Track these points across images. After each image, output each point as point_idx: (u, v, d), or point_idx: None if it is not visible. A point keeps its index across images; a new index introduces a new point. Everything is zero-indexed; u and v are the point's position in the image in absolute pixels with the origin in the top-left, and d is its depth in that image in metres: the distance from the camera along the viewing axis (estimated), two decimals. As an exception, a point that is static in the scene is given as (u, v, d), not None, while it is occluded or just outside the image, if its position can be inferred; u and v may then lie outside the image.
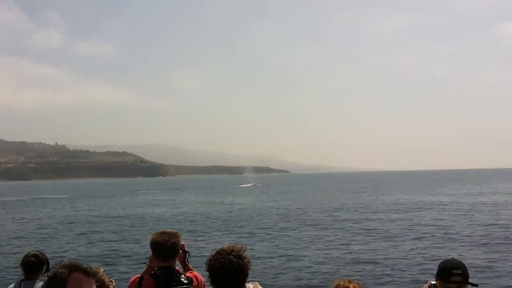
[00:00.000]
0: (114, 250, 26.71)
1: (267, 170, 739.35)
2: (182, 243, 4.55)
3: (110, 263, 22.62)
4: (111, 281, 4.54)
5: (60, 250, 26.63)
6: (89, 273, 2.75)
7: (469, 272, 3.74)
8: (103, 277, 4.30)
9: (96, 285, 3.51)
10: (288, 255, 23.53)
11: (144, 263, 4.63)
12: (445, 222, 35.01)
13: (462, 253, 22.51)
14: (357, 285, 3.59)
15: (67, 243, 29.98)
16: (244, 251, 3.64)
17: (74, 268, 2.70)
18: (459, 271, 3.64)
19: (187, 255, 4.75)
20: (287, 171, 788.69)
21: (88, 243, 29.73)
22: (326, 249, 25.23)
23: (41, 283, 4.95)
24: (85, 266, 2.76)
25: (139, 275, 4.39)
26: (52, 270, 2.74)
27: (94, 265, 3.78)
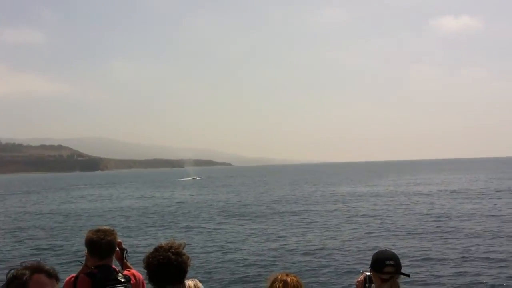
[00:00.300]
0: (44, 248, 25.22)
1: (210, 163, 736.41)
2: (119, 240, 4.44)
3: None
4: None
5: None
6: (51, 275, 2.65)
7: (401, 262, 3.82)
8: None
9: None
10: (226, 249, 23.22)
11: (80, 261, 4.40)
12: (381, 213, 35.70)
13: (396, 243, 22.93)
14: (294, 278, 3.57)
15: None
16: (183, 248, 3.58)
17: (36, 269, 2.61)
18: (391, 262, 3.74)
19: (125, 253, 4.62)
20: (229, 164, 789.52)
21: (16, 242, 27.98)
22: (264, 242, 25.07)
23: None
24: (48, 267, 2.66)
25: (74, 275, 4.20)
26: (12, 271, 2.64)
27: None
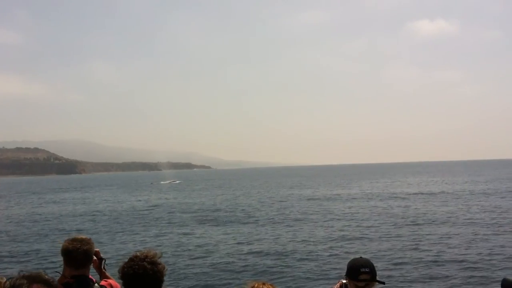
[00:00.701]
0: (5, 256, 24.14)
1: (189, 166, 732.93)
2: (96, 249, 4.39)
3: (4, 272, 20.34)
4: None
5: None
6: (51, 285, 2.59)
7: (376, 269, 3.86)
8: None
9: None
10: (199, 255, 22.76)
11: (57, 272, 4.22)
12: (357, 216, 35.51)
13: (370, 248, 22.74)
14: (270, 287, 3.57)
15: None
16: (159, 257, 3.55)
17: (34, 279, 2.54)
18: (367, 270, 3.76)
19: (103, 262, 4.57)
20: (209, 167, 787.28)
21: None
22: (237, 247, 24.66)
23: None
24: (47, 277, 2.58)
25: None
26: (10, 280, 2.56)
27: None
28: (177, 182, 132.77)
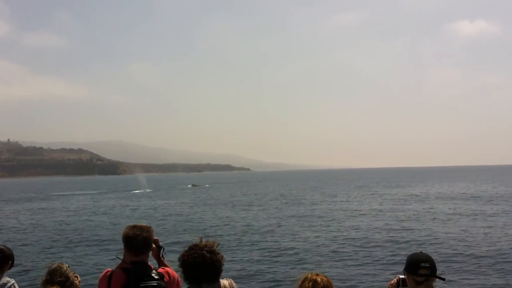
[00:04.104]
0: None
1: (228, 168, 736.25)
2: (156, 237, 4.38)
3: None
4: (76, 276, 4.49)
5: None
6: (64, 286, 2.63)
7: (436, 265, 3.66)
8: (67, 271, 4.33)
9: (60, 280, 4.19)
10: (254, 246, 23.66)
11: (117, 257, 4.22)
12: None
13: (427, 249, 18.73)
14: (324, 278, 3.46)
15: None
16: (217, 247, 3.67)
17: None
18: (427, 264, 3.62)
19: (161, 250, 4.52)
20: (248, 169, 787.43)
21: None
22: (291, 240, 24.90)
23: (7, 278, 5.03)
24: (60, 278, 2.79)
25: (110, 269, 4.16)
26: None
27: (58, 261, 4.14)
28: (207, 186, 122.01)
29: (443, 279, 3.72)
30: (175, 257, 3.79)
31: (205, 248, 3.55)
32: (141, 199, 68.67)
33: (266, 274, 17.89)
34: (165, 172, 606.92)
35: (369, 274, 17.38)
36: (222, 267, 3.61)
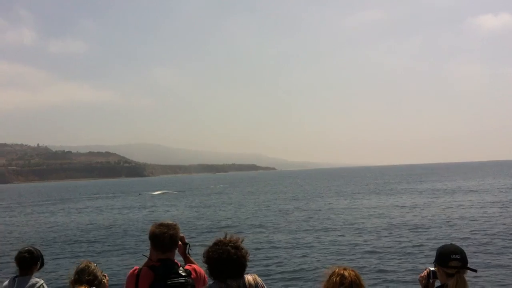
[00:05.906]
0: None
1: (253, 167, 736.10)
2: (182, 234, 4.43)
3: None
4: (104, 275, 4.51)
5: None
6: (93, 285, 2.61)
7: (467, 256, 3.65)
8: (95, 270, 4.35)
9: (88, 279, 4.20)
10: (281, 243, 23.74)
11: (144, 255, 4.30)
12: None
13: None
14: (352, 272, 3.39)
15: None
16: (241, 242, 3.68)
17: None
18: (457, 256, 3.61)
19: (187, 247, 4.58)
20: (273, 168, 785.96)
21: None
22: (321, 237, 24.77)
23: (36, 279, 5.08)
24: (88, 277, 2.75)
25: (137, 267, 4.20)
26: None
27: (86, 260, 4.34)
28: (226, 187, 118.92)
29: (475, 271, 3.70)
30: (201, 251, 3.80)
31: (230, 244, 3.56)
32: (165, 201, 69.30)
33: (291, 268, 17.89)
34: (191, 173, 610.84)
35: (399, 266, 17.37)
36: (247, 263, 3.61)
